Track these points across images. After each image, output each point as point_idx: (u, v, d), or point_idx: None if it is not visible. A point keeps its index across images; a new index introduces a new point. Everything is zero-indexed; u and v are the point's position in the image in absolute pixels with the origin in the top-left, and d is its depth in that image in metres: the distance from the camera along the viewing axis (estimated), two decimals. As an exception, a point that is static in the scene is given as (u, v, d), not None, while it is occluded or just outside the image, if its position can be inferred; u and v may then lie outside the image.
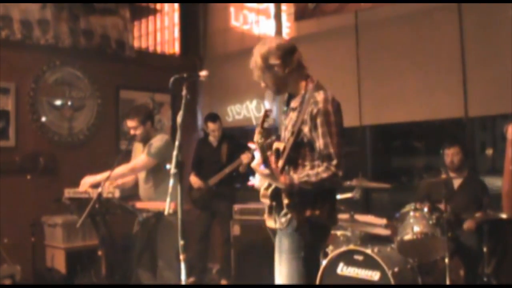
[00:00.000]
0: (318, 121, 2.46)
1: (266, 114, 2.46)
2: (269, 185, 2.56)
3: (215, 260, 5.96)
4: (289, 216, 2.50)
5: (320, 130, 2.46)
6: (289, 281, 2.54)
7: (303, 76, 2.63)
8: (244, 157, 5.17)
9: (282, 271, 2.58)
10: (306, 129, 2.50)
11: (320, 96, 2.50)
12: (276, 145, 2.62)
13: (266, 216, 2.64)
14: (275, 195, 2.54)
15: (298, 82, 2.62)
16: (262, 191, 2.62)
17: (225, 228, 5.37)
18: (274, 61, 2.55)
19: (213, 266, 5.95)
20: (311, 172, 2.46)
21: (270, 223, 2.63)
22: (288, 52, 2.58)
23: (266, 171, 2.42)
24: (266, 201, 2.60)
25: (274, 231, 2.68)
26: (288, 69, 2.57)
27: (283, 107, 2.76)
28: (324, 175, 2.43)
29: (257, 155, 2.47)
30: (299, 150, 2.53)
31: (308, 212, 2.49)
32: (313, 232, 2.53)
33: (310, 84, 2.59)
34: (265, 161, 2.42)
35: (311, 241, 2.53)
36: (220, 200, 5.38)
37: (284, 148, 2.57)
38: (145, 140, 4.26)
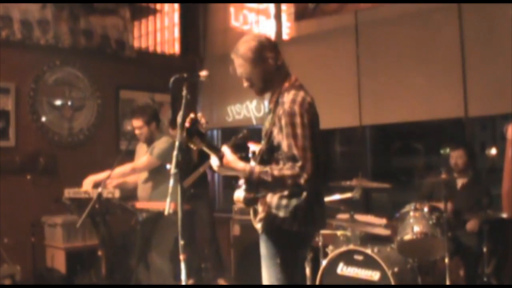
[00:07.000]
0: (283, 122, 2.38)
1: (196, 120, 2.32)
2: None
3: (206, 259, 5.94)
4: (263, 222, 2.47)
5: (284, 131, 2.37)
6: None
7: (284, 74, 2.56)
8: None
9: (263, 276, 2.53)
10: (275, 131, 2.43)
11: (288, 96, 2.41)
12: (253, 148, 2.58)
13: (252, 218, 2.60)
14: (251, 201, 2.48)
15: (280, 80, 2.54)
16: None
17: (206, 228, 5.29)
18: (268, 53, 2.49)
19: (206, 265, 5.93)
20: (274, 166, 2.38)
21: (256, 225, 2.60)
22: (277, 46, 2.56)
23: (220, 162, 2.38)
24: (240, 205, 2.51)
25: None
26: (279, 61, 2.52)
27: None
28: (287, 172, 2.32)
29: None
30: (272, 154, 2.45)
31: (278, 220, 2.42)
32: (287, 239, 2.45)
33: (286, 83, 2.52)
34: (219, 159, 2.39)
35: (285, 247, 2.45)
36: (196, 201, 5.32)
37: (259, 151, 2.51)
38: (149, 141, 4.24)
